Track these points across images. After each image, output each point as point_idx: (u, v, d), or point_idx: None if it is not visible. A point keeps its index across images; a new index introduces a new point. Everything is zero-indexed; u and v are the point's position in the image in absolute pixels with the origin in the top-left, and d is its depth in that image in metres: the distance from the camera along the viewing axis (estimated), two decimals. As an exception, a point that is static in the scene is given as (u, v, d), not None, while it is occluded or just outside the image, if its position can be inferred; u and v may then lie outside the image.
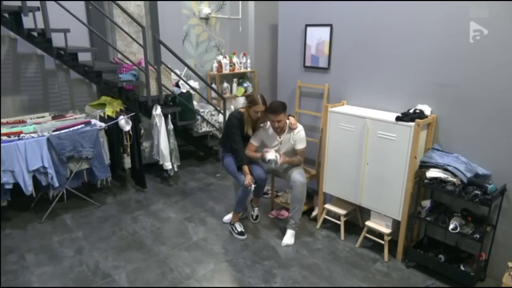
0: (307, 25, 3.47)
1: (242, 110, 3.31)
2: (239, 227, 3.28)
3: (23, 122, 3.63)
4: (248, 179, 3.07)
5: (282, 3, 3.71)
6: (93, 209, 3.72)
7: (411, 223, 2.91)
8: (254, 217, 3.55)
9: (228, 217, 3.53)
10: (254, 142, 3.26)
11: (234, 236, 3.25)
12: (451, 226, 2.56)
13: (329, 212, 3.39)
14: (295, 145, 3.20)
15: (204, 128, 4.82)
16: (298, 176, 3.13)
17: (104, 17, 4.01)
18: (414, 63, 2.84)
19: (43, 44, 3.56)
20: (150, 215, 3.65)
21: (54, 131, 3.35)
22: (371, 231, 3.07)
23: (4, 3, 3.24)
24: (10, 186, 3.14)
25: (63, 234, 3.27)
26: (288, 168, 3.26)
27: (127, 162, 4.12)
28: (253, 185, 3.10)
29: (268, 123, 3.20)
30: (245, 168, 3.14)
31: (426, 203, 2.79)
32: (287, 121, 3.18)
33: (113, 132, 3.78)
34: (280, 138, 3.19)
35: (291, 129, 3.17)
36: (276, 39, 3.93)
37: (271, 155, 3.08)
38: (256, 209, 3.55)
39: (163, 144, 4.11)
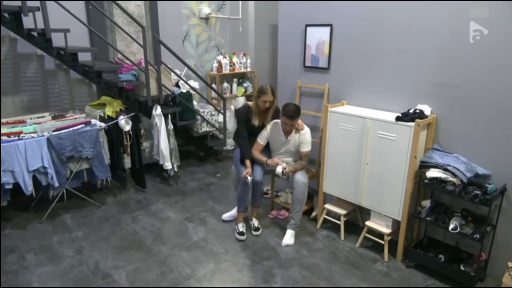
0: (307, 25, 3.47)
1: (249, 103, 3.34)
2: (241, 227, 3.27)
3: (23, 122, 3.63)
4: (245, 171, 3.11)
5: (282, 3, 3.71)
6: (93, 209, 3.72)
7: (411, 223, 2.91)
8: (254, 228, 3.32)
9: (227, 215, 3.55)
10: (260, 141, 3.26)
11: (235, 236, 3.25)
12: (451, 226, 2.56)
13: (329, 212, 3.39)
14: (301, 147, 3.20)
15: (204, 128, 4.82)
16: (300, 176, 3.13)
17: (104, 17, 4.01)
18: (414, 63, 2.84)
19: (43, 44, 3.56)
20: (150, 215, 3.65)
21: (54, 131, 3.35)
22: (371, 231, 3.07)
23: (4, 3, 3.24)
24: (10, 186, 3.14)
25: (63, 234, 3.27)
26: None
27: (127, 162, 4.13)
28: (249, 178, 3.11)
29: (278, 120, 3.20)
30: (247, 161, 3.19)
31: (426, 203, 2.79)
32: None
33: (113, 132, 3.78)
34: (287, 138, 3.19)
35: (298, 130, 3.17)
36: (276, 39, 3.93)
37: (278, 169, 3.11)
38: (254, 219, 3.37)
39: (163, 144, 4.11)
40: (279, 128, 3.19)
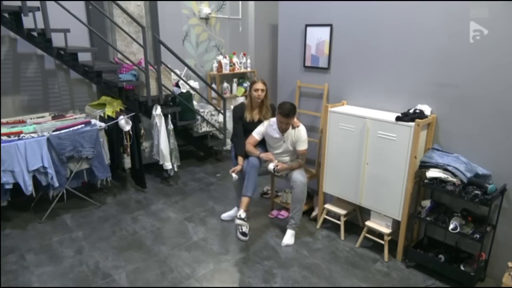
0: (307, 25, 3.47)
1: (245, 102, 3.38)
2: (244, 228, 3.04)
3: (23, 122, 3.63)
4: (232, 169, 3.18)
5: (282, 3, 3.71)
6: (93, 209, 3.72)
7: (411, 223, 2.91)
8: (238, 216, 3.00)
9: (226, 215, 3.56)
10: (256, 135, 3.26)
11: (237, 234, 3.11)
12: (451, 226, 2.56)
13: (329, 212, 3.39)
14: (297, 146, 3.19)
15: (204, 128, 4.82)
16: (299, 176, 3.13)
17: (104, 17, 4.01)
18: (414, 63, 2.84)
19: (43, 44, 3.56)
20: (150, 215, 3.65)
21: (54, 131, 3.35)
22: (371, 231, 3.07)
23: (4, 3, 3.24)
24: (10, 186, 3.14)
25: (63, 234, 3.27)
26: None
27: (127, 162, 4.13)
28: (234, 175, 3.17)
29: (274, 119, 3.20)
30: (240, 159, 3.24)
31: (426, 203, 2.79)
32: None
33: (113, 132, 3.78)
34: (283, 135, 3.19)
35: (293, 127, 3.17)
36: (276, 39, 3.93)
37: (270, 165, 3.14)
38: (242, 211, 3.01)
39: (163, 144, 4.11)
40: (275, 126, 3.19)
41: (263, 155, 3.18)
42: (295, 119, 3.18)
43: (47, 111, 4.03)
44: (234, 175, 3.17)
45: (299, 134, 3.17)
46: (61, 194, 3.56)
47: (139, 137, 4.04)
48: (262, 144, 3.32)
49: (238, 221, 3.00)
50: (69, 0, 3.68)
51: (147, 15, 4.68)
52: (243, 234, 3.10)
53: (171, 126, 4.20)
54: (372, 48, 3.06)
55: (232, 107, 5.20)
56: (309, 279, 2.73)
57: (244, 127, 3.30)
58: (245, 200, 3.07)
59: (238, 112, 3.30)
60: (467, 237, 2.53)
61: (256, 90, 3.16)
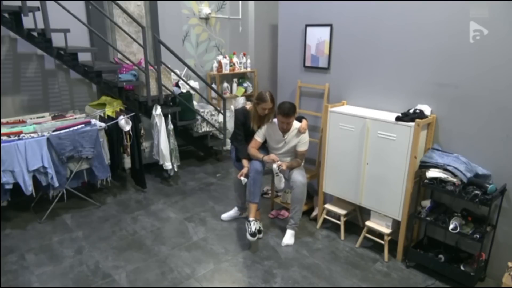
0: (307, 25, 3.47)
1: (248, 107, 3.33)
2: (253, 227, 2.99)
3: (23, 122, 3.63)
4: (240, 172, 3.15)
5: (282, 3, 3.71)
6: (93, 209, 3.72)
7: (411, 223, 2.91)
8: (249, 231, 3.03)
9: (226, 215, 3.56)
10: (258, 138, 3.25)
11: (247, 235, 2.99)
12: (451, 226, 2.56)
13: (329, 212, 3.39)
14: (298, 147, 3.19)
15: (204, 128, 4.82)
16: (298, 176, 3.13)
17: (104, 17, 4.01)
18: (414, 63, 2.84)
19: (43, 44, 3.56)
20: (150, 215, 3.65)
21: (54, 131, 3.35)
22: (371, 231, 3.07)
23: (4, 3, 3.24)
24: (10, 186, 3.14)
25: (63, 234, 3.27)
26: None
27: (127, 162, 4.13)
28: (242, 178, 3.13)
29: (275, 120, 3.20)
30: (244, 161, 3.21)
31: (426, 203, 2.79)
32: (299, 123, 3.17)
33: (113, 132, 3.78)
34: (284, 137, 3.18)
35: (300, 132, 3.15)
36: (276, 39, 3.93)
37: (274, 166, 3.08)
38: (252, 223, 3.05)
39: (163, 144, 4.11)
40: (276, 128, 3.19)
41: (266, 158, 3.16)
42: (304, 125, 3.16)
43: (47, 111, 4.03)
44: (243, 178, 3.13)
45: (302, 136, 3.17)
46: (61, 194, 3.56)
47: (139, 137, 4.04)
48: (264, 147, 3.32)
49: (250, 238, 2.97)
50: (69, 0, 3.68)
51: (147, 15, 4.68)
52: (253, 234, 2.99)
53: (171, 126, 4.20)
54: (372, 48, 3.06)
55: (232, 107, 5.22)
56: (309, 279, 2.73)
57: (245, 132, 3.27)
58: (253, 207, 3.13)
59: (240, 118, 3.25)
60: (467, 237, 2.53)
61: (264, 109, 3.11)
